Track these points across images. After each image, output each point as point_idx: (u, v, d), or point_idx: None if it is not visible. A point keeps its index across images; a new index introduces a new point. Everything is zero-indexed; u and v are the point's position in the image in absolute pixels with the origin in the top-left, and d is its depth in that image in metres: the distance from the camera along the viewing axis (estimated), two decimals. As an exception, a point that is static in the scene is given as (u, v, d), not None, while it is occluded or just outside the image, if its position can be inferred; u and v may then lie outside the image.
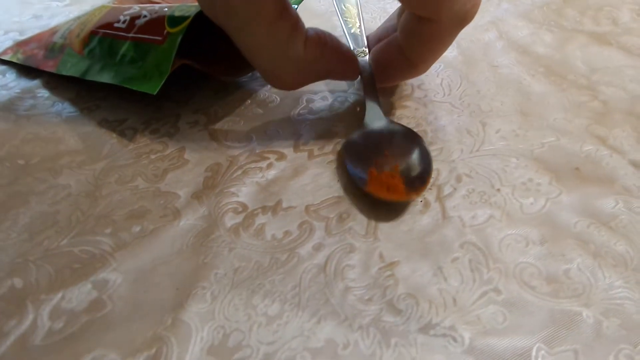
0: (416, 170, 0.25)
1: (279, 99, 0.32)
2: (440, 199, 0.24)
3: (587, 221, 0.23)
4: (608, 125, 0.28)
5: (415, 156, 0.25)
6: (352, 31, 0.32)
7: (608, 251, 0.22)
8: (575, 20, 0.38)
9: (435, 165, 0.26)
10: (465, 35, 0.37)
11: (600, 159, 0.26)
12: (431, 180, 0.25)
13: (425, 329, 0.19)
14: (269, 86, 0.33)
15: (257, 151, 0.28)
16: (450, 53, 0.35)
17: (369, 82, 0.29)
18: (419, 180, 0.24)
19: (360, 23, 0.33)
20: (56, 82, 0.34)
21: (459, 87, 0.32)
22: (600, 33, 0.37)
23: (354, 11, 0.34)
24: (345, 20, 0.33)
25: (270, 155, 0.27)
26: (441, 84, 0.32)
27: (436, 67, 0.33)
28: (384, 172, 0.24)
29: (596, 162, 0.26)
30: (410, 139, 0.26)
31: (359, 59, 0.30)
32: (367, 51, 0.30)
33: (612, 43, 0.35)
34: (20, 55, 0.36)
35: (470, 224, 0.23)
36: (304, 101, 0.31)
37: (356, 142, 0.26)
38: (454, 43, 0.36)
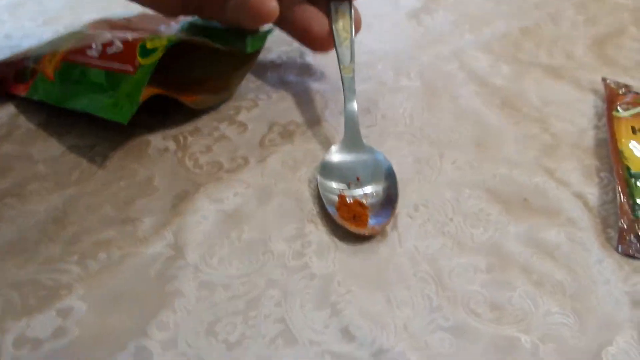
0: (381, 205, 0.26)
1: (249, 126, 0.33)
2: (397, 228, 0.26)
3: (531, 251, 0.25)
4: (557, 158, 0.30)
5: (383, 190, 0.27)
6: (344, 44, 0.32)
7: (548, 279, 0.23)
8: (532, 53, 0.40)
9: (393, 195, 0.27)
10: (429, 65, 0.39)
11: (548, 191, 0.28)
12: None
13: (377, 355, 0.21)
14: (240, 113, 0.34)
15: (224, 179, 0.29)
16: (414, 83, 0.37)
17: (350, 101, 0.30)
18: (383, 214, 0.26)
19: (351, 36, 0.32)
20: (26, 107, 0.34)
21: (420, 118, 0.33)
22: (555, 66, 0.39)
23: (346, 23, 0.33)
24: (337, 32, 0.32)
25: (236, 184, 0.28)
26: (403, 115, 0.34)
27: (399, 97, 0.35)
28: (355, 200, 0.26)
29: (544, 193, 0.28)
30: (383, 170, 0.28)
31: (344, 76, 0.31)
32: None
33: (565, 77, 0.38)
34: (-9, 78, 0.36)
35: (424, 253, 0.25)
36: (274, 129, 0.32)
37: (331, 162, 0.28)
38: (417, 73, 0.38)
